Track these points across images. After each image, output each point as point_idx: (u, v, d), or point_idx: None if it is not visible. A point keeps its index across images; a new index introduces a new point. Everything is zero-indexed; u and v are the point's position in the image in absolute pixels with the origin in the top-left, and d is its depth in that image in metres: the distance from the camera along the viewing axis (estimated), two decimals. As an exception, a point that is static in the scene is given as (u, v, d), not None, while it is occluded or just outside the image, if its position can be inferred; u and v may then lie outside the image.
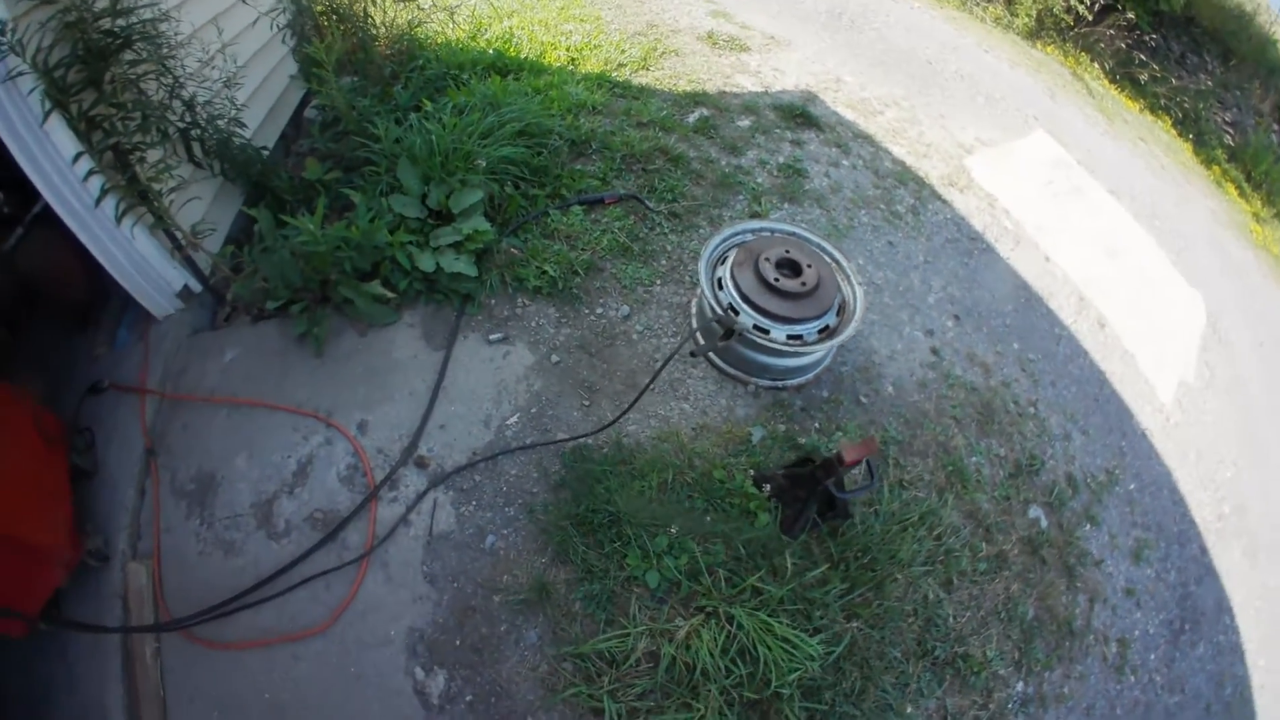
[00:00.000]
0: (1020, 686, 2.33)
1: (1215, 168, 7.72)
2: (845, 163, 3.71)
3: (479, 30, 4.42)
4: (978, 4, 7.31)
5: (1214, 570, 3.38)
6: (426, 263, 2.55)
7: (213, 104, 2.52)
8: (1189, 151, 7.54)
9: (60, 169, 2.07)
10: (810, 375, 2.57)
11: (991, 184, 4.04)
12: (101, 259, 2.28)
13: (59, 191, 2.11)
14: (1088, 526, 2.81)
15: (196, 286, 2.61)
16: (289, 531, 2.12)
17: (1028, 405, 3.02)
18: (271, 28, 3.04)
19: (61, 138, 2.04)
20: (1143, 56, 7.75)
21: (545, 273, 2.64)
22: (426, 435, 2.27)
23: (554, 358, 2.46)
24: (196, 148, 2.48)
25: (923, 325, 3.08)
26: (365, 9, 3.42)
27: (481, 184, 2.76)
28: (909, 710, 2.02)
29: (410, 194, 2.71)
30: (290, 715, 1.87)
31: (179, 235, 2.44)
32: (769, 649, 1.81)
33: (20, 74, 1.87)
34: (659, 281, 2.76)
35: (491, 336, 2.51)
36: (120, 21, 2.06)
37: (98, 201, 2.14)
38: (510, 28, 4.49)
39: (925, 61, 5.20)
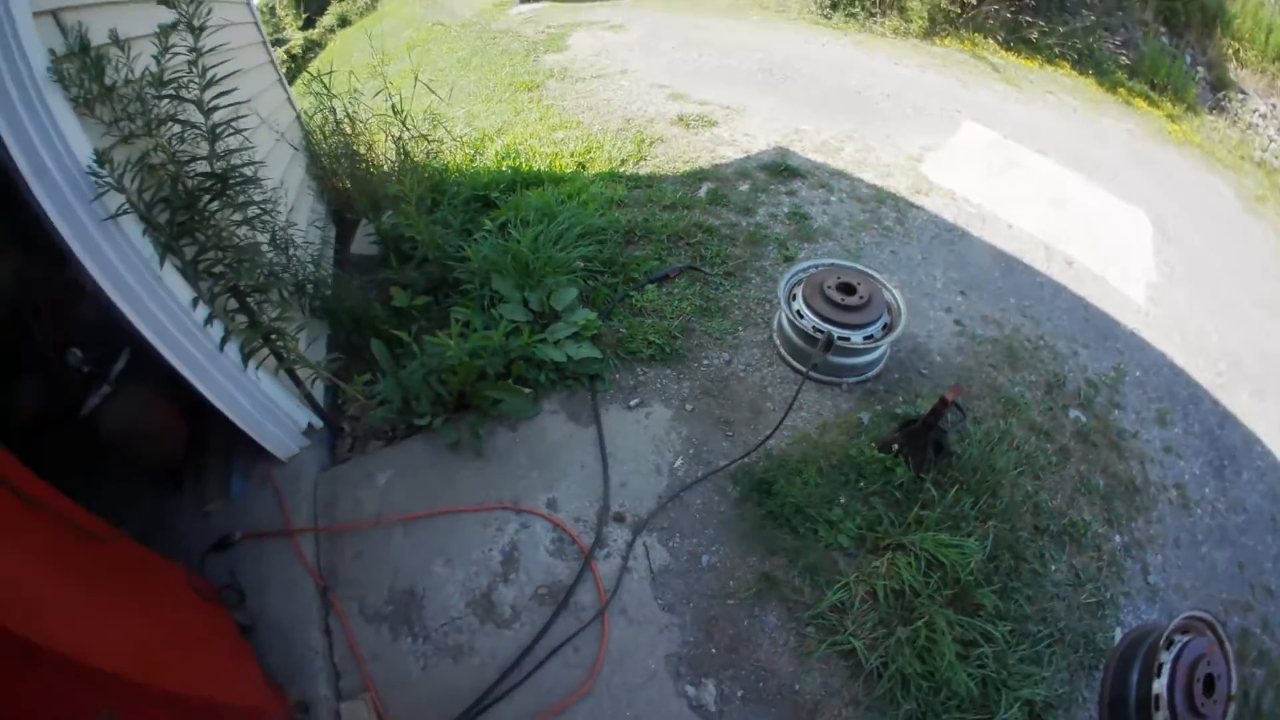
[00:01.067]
0: (1118, 539, 3.20)
1: (1121, 90, 9.10)
2: (833, 199, 4.79)
3: (478, 151, 5.32)
4: (874, 21, 8.82)
5: (1230, 415, 4.34)
6: (558, 355, 3.16)
7: (304, 245, 2.91)
8: (1093, 86, 8.91)
9: (176, 316, 2.16)
10: (880, 366, 3.49)
11: (947, 181, 5.20)
12: (224, 407, 2.41)
13: (174, 340, 2.18)
14: (1116, 412, 3.77)
15: (318, 423, 2.86)
16: (518, 615, 2.42)
17: (1038, 340, 4.02)
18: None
19: (175, 283, 2.13)
20: (1028, 18, 9.12)
21: (651, 342, 3.45)
22: (613, 495, 2.80)
23: (688, 406, 3.28)
24: (286, 290, 2.72)
25: (941, 306, 4.08)
26: (403, 148, 4.12)
27: (569, 282, 3.52)
28: (1052, 569, 2.87)
29: (513, 302, 3.35)
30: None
31: (305, 374, 2.67)
32: (946, 556, 2.62)
33: (124, 213, 1.95)
34: (740, 328, 3.68)
35: (631, 403, 3.26)
36: (220, 164, 2.21)
37: (222, 345, 2.26)
38: (507, 145, 5.42)
39: (855, 92, 6.51)
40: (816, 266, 3.56)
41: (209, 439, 2.72)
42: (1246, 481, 4.03)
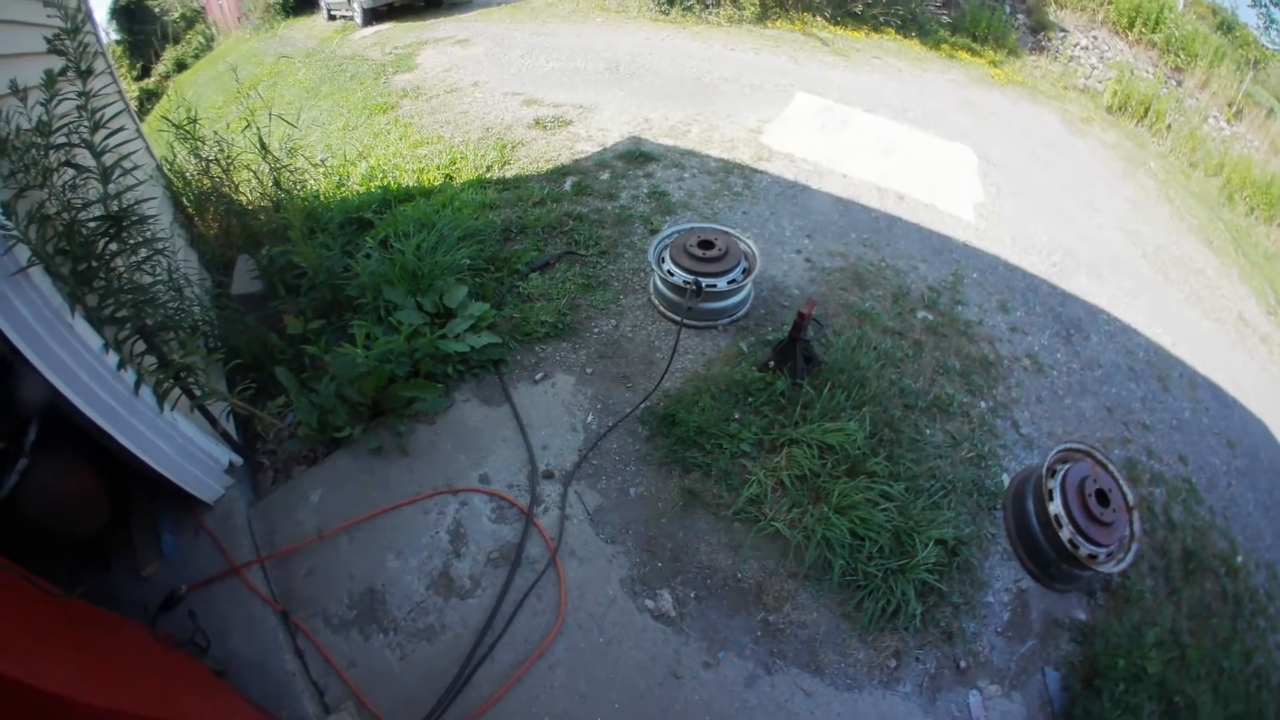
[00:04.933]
0: (983, 404, 3.98)
1: (944, 47, 10.62)
2: (686, 175, 5.55)
3: (343, 178, 5.64)
4: (710, 12, 9.92)
5: (1070, 294, 5.34)
6: (461, 346, 3.53)
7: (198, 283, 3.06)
8: (918, 46, 10.36)
9: (90, 366, 2.20)
10: (748, 305, 4.16)
11: (786, 146, 6.12)
12: (147, 456, 2.45)
13: (90, 392, 2.21)
14: (959, 308, 4.64)
15: (239, 460, 3.00)
16: (478, 583, 2.75)
17: (879, 263, 4.87)
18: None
19: (86, 331, 2.19)
20: (853, -7, 10.60)
21: (544, 322, 3.92)
22: (539, 457, 3.23)
23: (588, 370, 3.77)
24: (184, 329, 2.81)
25: (792, 249, 4.85)
26: (277, 179, 4.30)
27: (460, 281, 3.93)
28: (929, 435, 3.59)
29: (407, 308, 3.69)
30: (581, 713, 2.44)
31: (220, 410, 2.84)
32: (833, 439, 3.25)
33: (34, 264, 1.99)
34: (621, 297, 4.24)
35: (536, 377, 3.70)
36: (114, 204, 2.28)
37: (136, 389, 2.31)
38: (372, 167, 5.80)
39: (697, 79, 7.43)
40: (678, 231, 4.21)
41: (129, 506, 2.81)
42: (1096, 344, 5.01)
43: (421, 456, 3.23)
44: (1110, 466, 3.51)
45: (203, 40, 18.18)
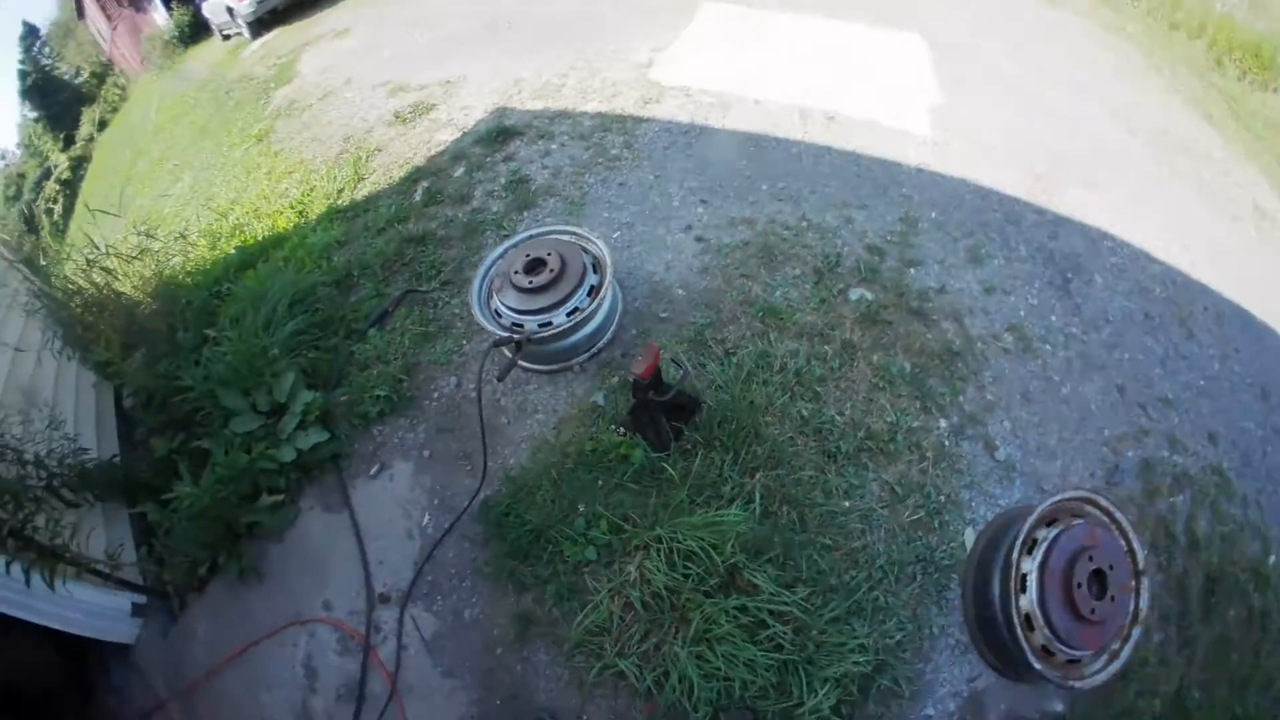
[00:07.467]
0: (943, 424, 2.88)
1: None
2: (554, 147, 4.36)
3: (215, 239, 4.91)
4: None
5: (1062, 218, 4.04)
6: (288, 454, 3.02)
7: (53, 451, 2.91)
8: None
9: None
10: (614, 327, 3.13)
11: (681, 78, 4.80)
12: (59, 625, 2.68)
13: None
14: (912, 271, 3.44)
15: (142, 599, 3.04)
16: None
17: (799, 224, 3.65)
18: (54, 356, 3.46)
19: None
20: None
21: (379, 396, 3.12)
22: (375, 576, 2.74)
23: (425, 453, 2.97)
24: (65, 493, 2.94)
25: (680, 226, 3.68)
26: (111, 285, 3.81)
27: (287, 366, 3.23)
28: (847, 505, 2.58)
29: (242, 412, 3.16)
30: None
31: (101, 567, 2.87)
32: (699, 539, 2.32)
33: None
34: (464, 342, 3.29)
35: (372, 471, 3.00)
36: None
37: (27, 581, 2.53)
38: (237, 220, 5.07)
39: (580, 17, 6.06)
40: (511, 247, 3.13)
41: (86, 655, 2.97)
42: (1102, 287, 3.74)
43: (274, 580, 2.92)
44: (1117, 516, 2.27)
45: (118, 91, 17.38)
